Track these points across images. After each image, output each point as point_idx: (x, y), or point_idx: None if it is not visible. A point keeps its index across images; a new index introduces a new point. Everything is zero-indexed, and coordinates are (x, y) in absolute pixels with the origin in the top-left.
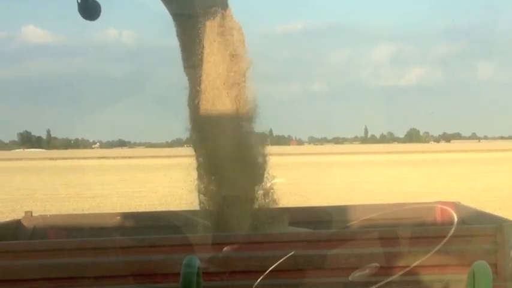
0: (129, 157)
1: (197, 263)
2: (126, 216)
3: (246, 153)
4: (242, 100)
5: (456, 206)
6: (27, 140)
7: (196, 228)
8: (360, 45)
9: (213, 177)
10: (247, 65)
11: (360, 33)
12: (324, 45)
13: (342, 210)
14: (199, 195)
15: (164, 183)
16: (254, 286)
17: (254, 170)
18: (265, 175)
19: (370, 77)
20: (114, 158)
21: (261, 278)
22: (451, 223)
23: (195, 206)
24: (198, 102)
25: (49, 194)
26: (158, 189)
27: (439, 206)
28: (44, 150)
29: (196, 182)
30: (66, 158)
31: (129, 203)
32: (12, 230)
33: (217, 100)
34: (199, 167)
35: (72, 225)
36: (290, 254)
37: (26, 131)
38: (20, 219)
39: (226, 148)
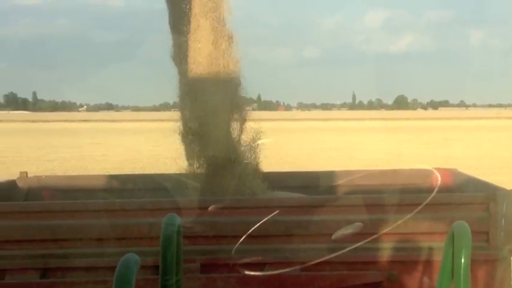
0: (113, 120)
1: (178, 221)
2: (121, 178)
3: (233, 116)
4: (231, 64)
5: (453, 172)
6: (13, 102)
7: (186, 190)
8: (352, 10)
9: (201, 140)
10: (234, 31)
11: None
12: (316, 10)
13: (335, 175)
14: (187, 158)
15: (133, 147)
16: (234, 249)
17: (242, 133)
18: (253, 138)
19: (361, 43)
20: (97, 121)
21: (241, 240)
22: (447, 190)
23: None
24: (187, 66)
25: (9, 157)
26: (123, 154)
27: (435, 172)
28: (29, 112)
29: (183, 145)
30: (48, 121)
31: (80, 166)
32: (7, 191)
33: (206, 64)
34: (186, 130)
35: (66, 186)
36: (274, 214)
37: (12, 93)
38: (15, 180)
39: (215, 111)
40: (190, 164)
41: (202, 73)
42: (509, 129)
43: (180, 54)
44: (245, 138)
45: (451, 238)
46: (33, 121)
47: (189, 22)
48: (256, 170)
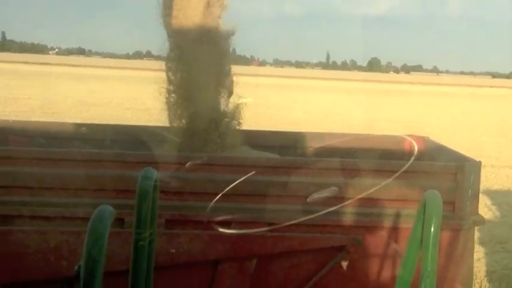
0: (86, 66)
1: (154, 175)
2: (93, 127)
3: (218, 71)
4: (217, 18)
5: (424, 140)
6: None
7: (164, 145)
8: None
9: (186, 94)
10: None
11: None
12: None
13: (309, 136)
14: (169, 112)
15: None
16: (209, 207)
17: (223, 89)
18: (232, 95)
19: (341, 3)
20: (58, 65)
21: (216, 199)
22: (418, 157)
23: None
24: (174, 19)
25: None
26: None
27: (408, 138)
28: None
29: (166, 98)
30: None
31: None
32: None
33: (195, 17)
34: (170, 83)
35: (33, 132)
36: (250, 174)
37: None
38: None
39: (200, 65)
40: (170, 118)
41: (193, 26)
42: (476, 97)
43: (167, 8)
44: (229, 93)
45: (423, 207)
46: None
47: None
48: (237, 128)
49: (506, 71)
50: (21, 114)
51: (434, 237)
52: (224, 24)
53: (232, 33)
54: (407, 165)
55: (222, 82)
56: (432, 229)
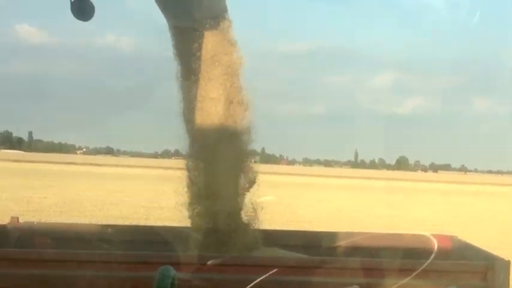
0: (114, 165)
1: (172, 273)
2: (116, 228)
3: (238, 169)
4: (238, 117)
5: (453, 240)
6: (7, 140)
7: (186, 244)
8: (362, 71)
9: (204, 192)
10: (243, 82)
11: (362, 59)
12: (326, 68)
13: (337, 236)
14: (191, 210)
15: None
16: None
17: (245, 187)
18: (255, 193)
19: (368, 103)
20: (84, 164)
21: None
22: (447, 256)
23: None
24: (195, 117)
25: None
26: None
27: (435, 238)
28: (22, 152)
29: (187, 197)
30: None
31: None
32: None
33: (214, 115)
34: (190, 182)
35: (58, 234)
36: (271, 272)
37: (7, 131)
38: (5, 225)
39: (220, 163)
40: (191, 217)
41: (211, 126)
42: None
43: (189, 104)
44: (250, 197)
45: None
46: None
47: (199, 71)
48: (257, 227)
49: None
50: (29, 214)
51: None
52: (241, 121)
53: (250, 130)
54: (426, 264)
55: (242, 180)
56: None
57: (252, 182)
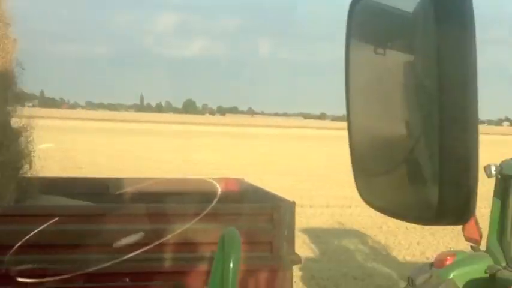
0: None
1: None
2: None
3: (7, 113)
4: (7, 61)
5: (240, 182)
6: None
7: None
8: (146, 11)
9: None
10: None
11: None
12: (108, 6)
13: (123, 182)
14: None
15: None
16: (6, 259)
17: (19, 135)
18: (30, 140)
19: (153, 44)
20: None
21: (13, 250)
22: (234, 199)
23: None
24: None
25: None
26: None
27: (222, 182)
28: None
29: None
30: None
31: None
32: None
33: None
34: None
35: None
36: (51, 221)
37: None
38: None
39: None
40: None
41: None
42: (289, 138)
43: None
44: (23, 140)
45: (222, 244)
46: None
47: None
48: (33, 174)
49: (317, 112)
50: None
51: (234, 274)
52: (11, 65)
53: (22, 68)
54: (210, 208)
55: (16, 127)
56: (231, 265)
57: (25, 128)
